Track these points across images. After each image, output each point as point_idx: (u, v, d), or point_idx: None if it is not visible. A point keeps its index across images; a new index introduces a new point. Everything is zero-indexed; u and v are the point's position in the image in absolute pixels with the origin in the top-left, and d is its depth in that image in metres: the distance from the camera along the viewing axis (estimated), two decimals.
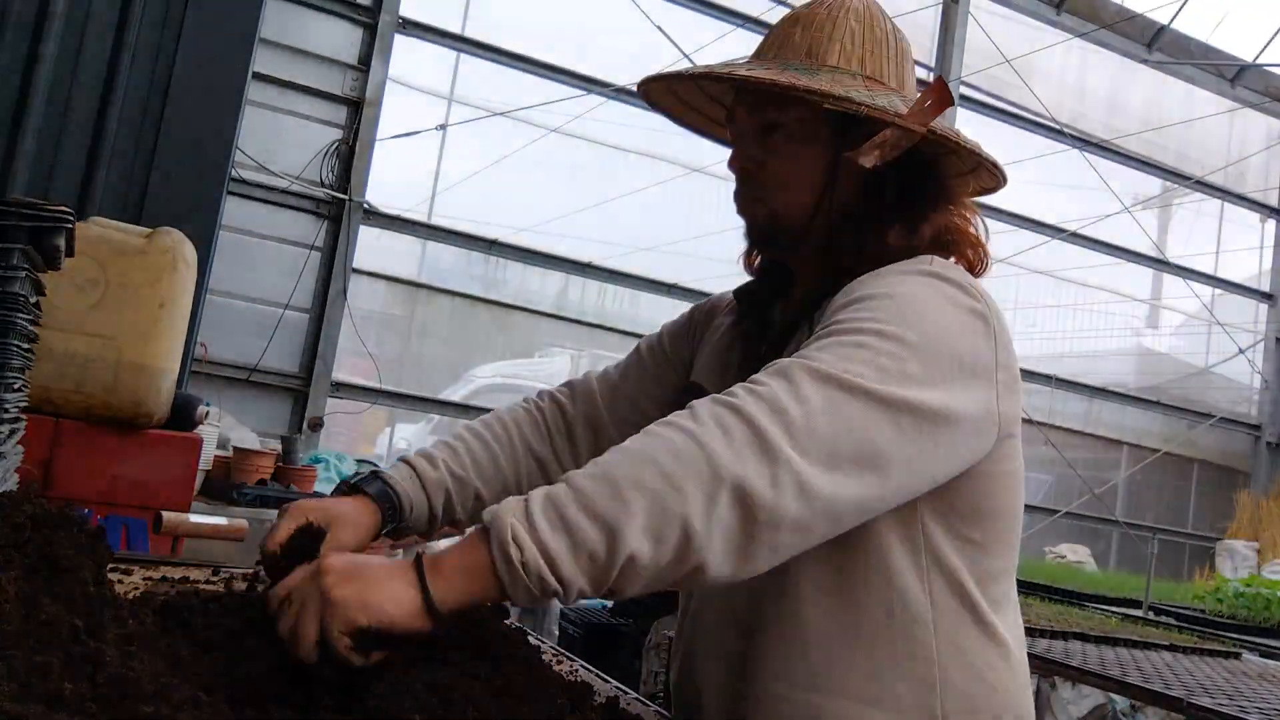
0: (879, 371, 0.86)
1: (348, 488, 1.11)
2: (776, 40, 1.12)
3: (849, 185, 1.06)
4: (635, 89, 1.18)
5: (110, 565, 1.35)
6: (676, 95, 1.22)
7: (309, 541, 0.97)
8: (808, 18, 1.10)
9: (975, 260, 1.08)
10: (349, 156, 6.31)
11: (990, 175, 1.10)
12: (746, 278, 1.24)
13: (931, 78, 8.16)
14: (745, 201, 1.11)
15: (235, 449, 3.54)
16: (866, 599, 0.96)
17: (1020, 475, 1.02)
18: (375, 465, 6.04)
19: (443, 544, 1.16)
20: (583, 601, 5.23)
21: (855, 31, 1.08)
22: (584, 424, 1.27)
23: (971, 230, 1.09)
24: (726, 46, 7.03)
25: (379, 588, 0.79)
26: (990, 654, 0.99)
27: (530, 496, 0.80)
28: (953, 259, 1.06)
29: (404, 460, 1.17)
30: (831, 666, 0.96)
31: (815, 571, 0.97)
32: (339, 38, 6.38)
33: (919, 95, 1.01)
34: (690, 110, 1.25)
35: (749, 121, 1.09)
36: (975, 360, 0.92)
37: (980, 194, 1.16)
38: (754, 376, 0.87)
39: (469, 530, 0.86)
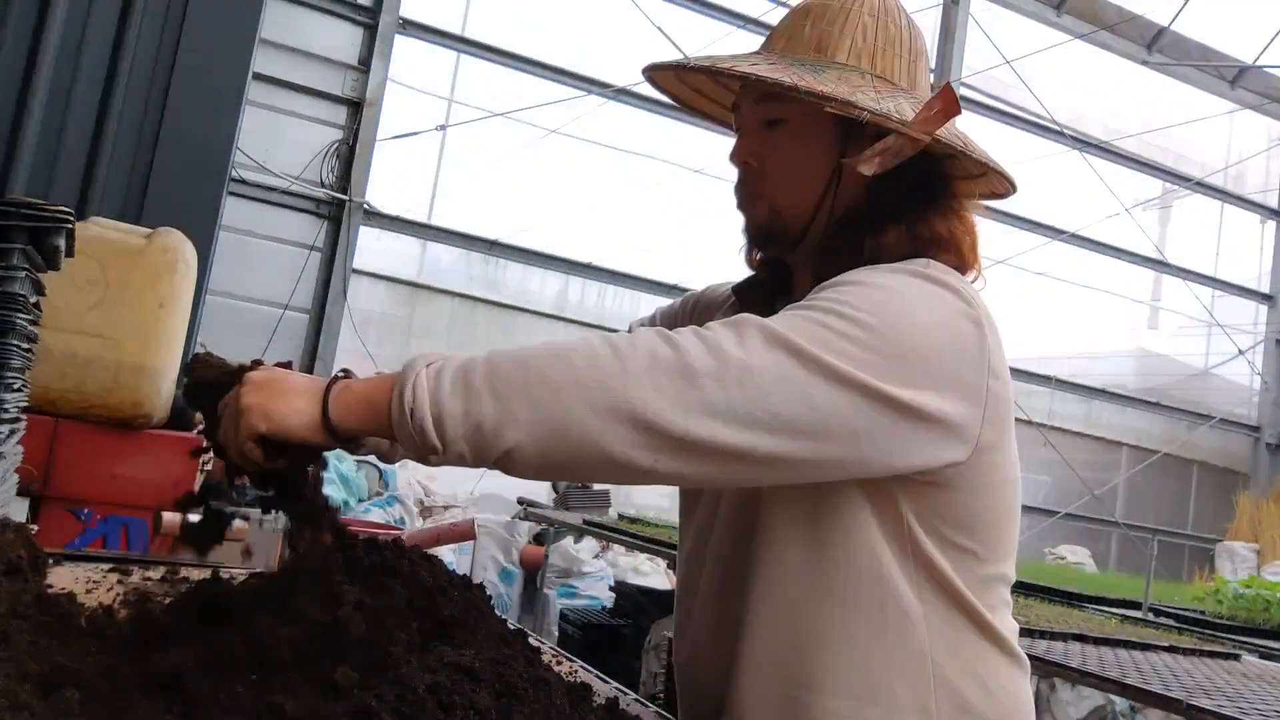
0: (829, 349, 0.85)
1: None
2: (785, 32, 1.07)
3: (852, 186, 1.03)
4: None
5: (110, 565, 1.36)
6: (685, 81, 1.19)
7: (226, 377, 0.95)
8: (819, 9, 1.06)
9: (970, 263, 1.05)
10: (349, 157, 6.31)
11: (1000, 182, 1.07)
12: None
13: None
14: (745, 197, 1.08)
15: None
16: (858, 598, 0.95)
17: (1014, 483, 1.00)
18: (376, 466, 6.05)
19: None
20: (583, 602, 5.24)
21: (868, 27, 1.04)
22: None
23: (969, 236, 1.06)
24: (726, 47, 7.02)
25: (283, 400, 0.85)
26: (989, 655, 0.99)
27: (450, 355, 0.84)
28: (950, 261, 1.03)
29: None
30: (827, 665, 0.96)
31: (805, 573, 0.97)
32: (339, 38, 6.37)
33: (926, 101, 0.97)
34: (699, 96, 1.21)
35: (753, 115, 1.06)
36: (957, 366, 0.90)
37: (990, 198, 1.13)
38: (708, 323, 0.87)
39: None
